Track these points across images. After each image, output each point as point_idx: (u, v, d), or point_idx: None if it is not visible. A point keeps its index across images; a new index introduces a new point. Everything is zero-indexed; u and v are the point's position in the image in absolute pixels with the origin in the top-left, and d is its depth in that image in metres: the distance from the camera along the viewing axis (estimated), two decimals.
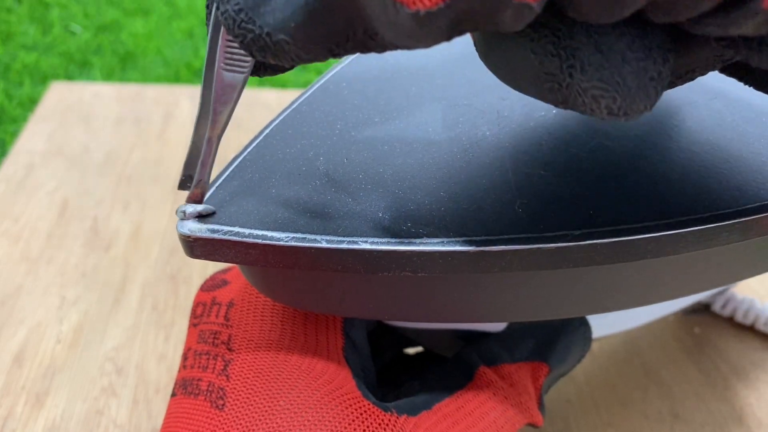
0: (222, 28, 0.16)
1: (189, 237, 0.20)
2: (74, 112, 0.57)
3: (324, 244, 0.19)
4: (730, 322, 0.40)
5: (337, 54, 0.15)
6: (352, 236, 0.19)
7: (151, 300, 0.39)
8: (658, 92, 0.14)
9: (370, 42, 0.14)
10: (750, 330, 0.40)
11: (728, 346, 0.39)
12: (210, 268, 0.42)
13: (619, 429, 0.34)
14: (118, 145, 0.53)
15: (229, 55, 0.17)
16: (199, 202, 0.20)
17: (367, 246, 0.19)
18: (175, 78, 1.53)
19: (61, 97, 0.59)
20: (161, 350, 0.36)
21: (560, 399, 0.35)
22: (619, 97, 0.14)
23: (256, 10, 0.14)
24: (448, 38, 0.13)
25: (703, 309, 0.41)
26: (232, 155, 0.23)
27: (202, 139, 0.19)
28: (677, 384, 0.36)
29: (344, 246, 0.19)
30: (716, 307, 0.40)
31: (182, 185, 0.21)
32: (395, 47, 0.14)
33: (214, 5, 0.15)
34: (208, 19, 0.16)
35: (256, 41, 0.15)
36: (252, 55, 0.15)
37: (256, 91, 0.63)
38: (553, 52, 0.14)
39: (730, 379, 0.37)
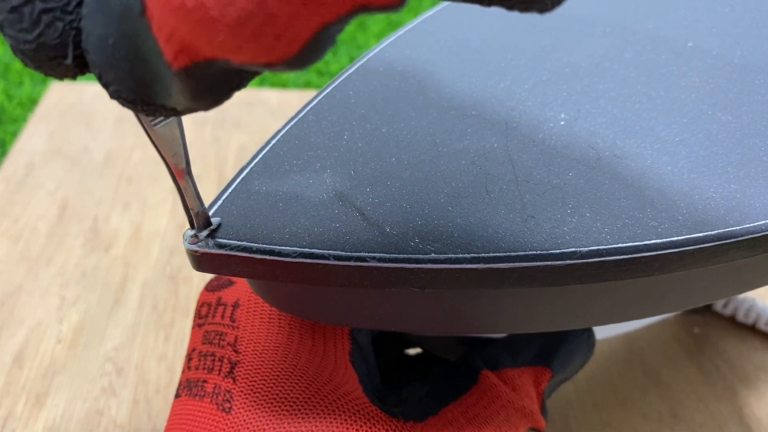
0: None
1: (196, 252, 0.20)
2: (74, 112, 0.57)
3: (331, 261, 0.19)
4: (731, 321, 0.40)
5: (237, 90, 0.15)
6: (359, 252, 0.19)
7: (151, 300, 0.39)
8: None
9: (256, 74, 0.15)
10: (751, 330, 0.40)
11: (729, 346, 0.39)
12: None
13: (618, 429, 0.34)
14: (118, 145, 0.53)
15: (151, 117, 0.17)
16: (207, 227, 0.20)
17: (375, 263, 0.19)
18: None
19: (61, 97, 0.59)
20: (161, 350, 0.36)
21: (560, 399, 0.35)
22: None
23: (148, 94, 0.14)
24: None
25: (703, 309, 0.41)
26: (233, 155, 0.23)
27: (178, 182, 0.19)
28: (677, 384, 0.36)
29: (352, 263, 0.19)
30: (717, 306, 0.40)
31: (192, 225, 0.21)
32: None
33: (112, 99, 0.15)
34: None
35: (165, 112, 0.15)
36: (168, 117, 0.15)
37: (256, 91, 0.63)
38: None
39: (730, 379, 0.37)
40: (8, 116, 1.33)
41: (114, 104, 0.59)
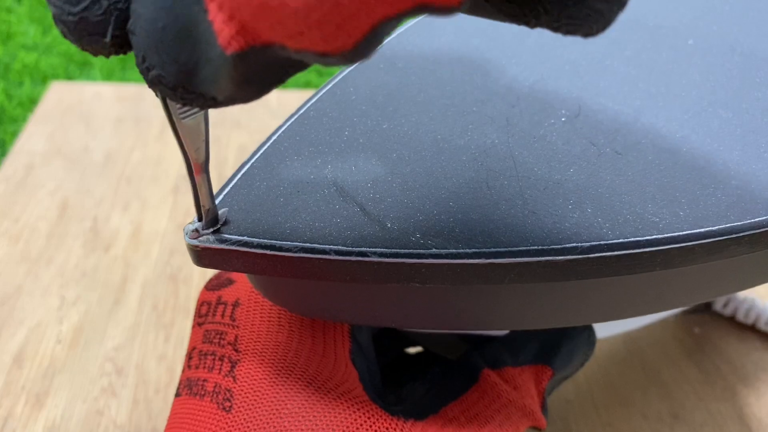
0: None
1: (197, 247, 0.20)
2: (74, 112, 0.57)
3: (333, 256, 0.19)
4: (731, 321, 0.40)
5: (280, 84, 0.15)
6: (360, 247, 0.19)
7: (151, 300, 0.39)
8: None
9: (303, 67, 0.15)
10: (751, 330, 0.40)
11: (729, 345, 0.39)
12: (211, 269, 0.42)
13: (618, 429, 0.34)
14: (118, 145, 0.53)
15: (182, 108, 0.17)
16: (213, 225, 0.20)
17: (376, 258, 0.19)
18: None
19: (61, 97, 0.59)
20: (161, 350, 0.36)
21: (560, 399, 0.35)
22: (595, 24, 0.14)
23: (190, 82, 0.14)
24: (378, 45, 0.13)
25: (703, 308, 0.41)
26: (233, 155, 0.23)
27: (194, 177, 0.19)
28: (677, 384, 0.36)
29: (353, 258, 0.19)
30: (717, 306, 0.40)
31: (200, 220, 0.21)
32: None
33: (150, 86, 0.15)
34: (149, 86, 0.17)
35: (204, 103, 0.15)
36: (204, 108, 0.15)
37: None
38: None
39: (730, 379, 0.37)
40: (8, 116, 1.33)
41: (114, 104, 0.59)
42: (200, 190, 0.19)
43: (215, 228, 0.20)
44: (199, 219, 0.20)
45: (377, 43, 0.12)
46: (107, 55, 0.16)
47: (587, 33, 0.14)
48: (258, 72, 0.14)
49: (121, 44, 0.15)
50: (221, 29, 0.13)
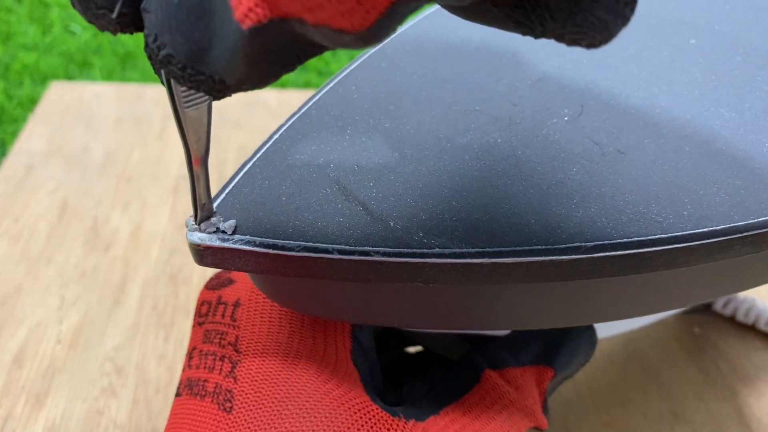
0: None
1: (199, 246, 0.20)
2: (74, 112, 0.57)
3: (335, 255, 0.19)
4: (731, 321, 0.40)
5: (291, 71, 0.15)
6: (363, 246, 0.19)
7: (151, 300, 0.39)
8: (633, 9, 0.14)
9: (316, 52, 0.14)
10: (751, 330, 0.40)
11: (729, 345, 0.39)
12: (210, 269, 0.41)
13: (618, 429, 0.34)
14: (118, 145, 0.53)
15: (187, 96, 0.17)
16: (208, 220, 0.20)
17: (379, 257, 0.19)
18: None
19: (61, 97, 0.59)
20: (161, 350, 0.36)
21: (560, 399, 0.35)
22: (599, 34, 0.14)
23: (200, 62, 0.14)
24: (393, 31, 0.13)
25: (703, 308, 0.41)
26: (233, 155, 0.23)
27: (192, 169, 0.19)
28: (677, 384, 0.36)
29: (355, 257, 0.19)
30: (717, 306, 0.40)
31: (195, 217, 0.21)
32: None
33: (159, 68, 0.15)
34: (156, 72, 0.16)
35: (212, 86, 0.15)
36: (211, 95, 0.15)
37: (256, 91, 0.62)
38: (517, 4, 0.14)
39: (730, 379, 0.37)
40: (8, 116, 1.32)
41: (114, 104, 0.59)
42: (198, 183, 0.19)
43: (216, 225, 0.20)
44: (195, 214, 0.20)
45: (394, 23, 0.12)
46: (113, 32, 0.16)
47: (591, 43, 0.14)
48: (272, 50, 0.13)
49: (128, 23, 0.15)
50: (239, 2, 0.13)
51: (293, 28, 0.13)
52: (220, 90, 0.15)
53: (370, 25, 0.12)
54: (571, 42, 0.14)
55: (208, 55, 0.14)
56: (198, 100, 0.17)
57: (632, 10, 0.14)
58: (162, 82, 0.16)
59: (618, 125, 0.23)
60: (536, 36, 0.15)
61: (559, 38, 0.14)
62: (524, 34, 0.15)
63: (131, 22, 0.15)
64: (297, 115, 0.24)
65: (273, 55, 0.14)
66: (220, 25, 0.13)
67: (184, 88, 0.17)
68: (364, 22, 0.12)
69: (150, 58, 0.15)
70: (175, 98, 0.17)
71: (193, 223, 0.20)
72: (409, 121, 0.24)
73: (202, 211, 0.20)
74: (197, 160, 0.19)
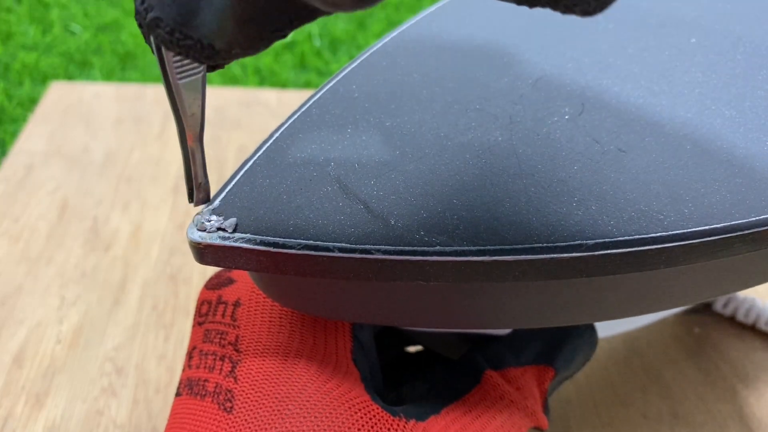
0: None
1: (200, 244, 0.20)
2: (74, 112, 0.57)
3: (336, 253, 0.19)
4: (731, 321, 0.40)
5: (283, 36, 0.14)
6: (364, 244, 0.19)
7: (151, 300, 0.39)
8: None
9: (309, 17, 0.14)
10: (751, 329, 0.40)
11: (729, 345, 0.39)
12: (210, 268, 0.42)
13: (618, 429, 0.34)
14: (118, 145, 0.53)
15: (179, 66, 0.17)
16: (205, 202, 0.20)
17: (380, 255, 0.19)
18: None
19: (61, 97, 0.59)
20: (161, 350, 0.36)
21: (560, 399, 0.35)
22: (594, 1, 0.14)
23: (189, 25, 0.14)
24: None
25: (703, 308, 0.41)
26: (233, 155, 0.23)
27: (187, 147, 0.19)
28: (677, 384, 0.36)
29: (356, 255, 0.19)
30: (717, 306, 0.40)
31: (191, 198, 0.20)
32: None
33: (147, 33, 0.14)
34: (146, 40, 0.16)
35: (201, 51, 0.14)
36: (201, 62, 0.15)
37: (256, 91, 0.63)
38: None
39: (730, 379, 0.37)
40: (8, 116, 1.32)
41: (114, 104, 0.59)
42: (193, 162, 0.19)
43: (219, 225, 0.20)
44: (190, 196, 0.20)
45: None
46: None
47: (585, 10, 0.14)
48: (263, 11, 0.13)
49: None
50: None
51: None
52: (210, 56, 0.14)
53: None
54: (566, 9, 0.14)
55: (197, 18, 0.14)
56: (191, 72, 0.17)
57: None
58: (152, 52, 0.16)
59: (619, 124, 0.23)
60: (531, 5, 0.14)
61: (554, 5, 0.14)
62: (519, 3, 0.15)
63: None
64: (297, 114, 0.24)
65: (264, 17, 0.13)
66: None
67: (176, 59, 0.16)
68: None
69: (140, 25, 0.14)
70: (167, 69, 0.16)
71: (191, 203, 0.20)
72: (410, 119, 0.24)
73: (199, 192, 0.20)
74: (191, 136, 0.18)
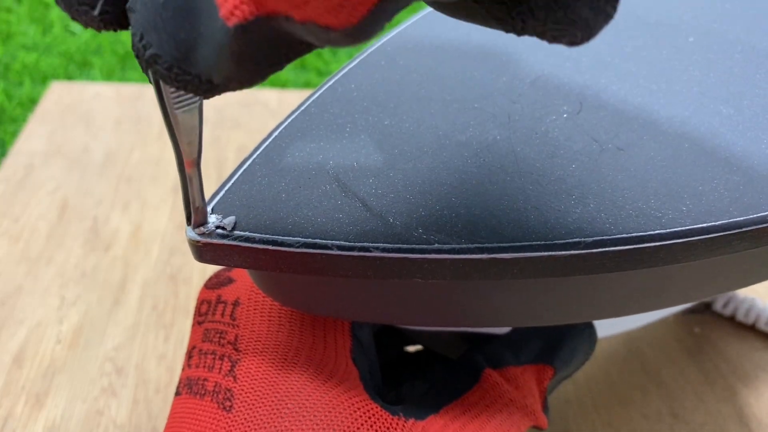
0: None
1: (198, 242, 0.20)
2: (74, 112, 0.57)
3: (335, 251, 0.19)
4: (731, 321, 0.40)
5: (279, 69, 0.15)
6: (362, 242, 0.19)
7: (151, 300, 0.39)
8: (615, 6, 0.14)
9: (303, 51, 0.14)
10: (751, 330, 0.40)
11: (729, 345, 0.39)
12: (210, 268, 0.42)
13: (618, 429, 0.34)
14: (118, 145, 0.53)
15: (176, 97, 0.17)
16: (203, 224, 0.20)
17: (378, 253, 0.19)
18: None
19: (61, 97, 0.59)
20: (161, 350, 0.36)
21: (560, 399, 0.35)
22: (579, 32, 0.14)
23: (187, 62, 0.14)
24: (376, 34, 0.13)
25: (703, 308, 0.41)
26: (233, 155, 0.23)
27: (185, 172, 0.19)
28: (677, 384, 0.36)
29: (355, 253, 0.19)
30: (717, 306, 0.40)
31: (188, 220, 0.20)
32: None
33: (146, 67, 0.15)
34: (144, 72, 0.16)
35: (199, 86, 0.14)
36: (199, 95, 0.15)
37: (256, 91, 0.63)
38: (498, 0, 0.14)
39: (730, 379, 0.37)
40: (8, 116, 1.32)
41: (114, 104, 0.59)
42: (191, 187, 0.19)
43: (218, 224, 0.20)
44: (188, 219, 0.20)
45: (382, 20, 0.12)
46: (97, 29, 0.15)
47: (572, 41, 0.14)
48: (258, 48, 0.13)
49: (111, 21, 0.15)
50: (224, 0, 0.12)
51: (280, 26, 0.13)
52: (208, 90, 0.15)
53: (357, 22, 0.12)
54: (553, 39, 0.14)
55: (195, 54, 0.14)
56: (188, 102, 0.17)
57: (614, 7, 0.14)
58: (150, 82, 0.16)
59: (617, 122, 0.23)
60: (518, 33, 0.15)
61: (541, 35, 0.14)
62: (507, 31, 0.15)
63: (114, 19, 0.15)
64: (296, 113, 0.24)
65: (260, 54, 0.14)
66: (205, 24, 0.13)
67: (173, 90, 0.16)
68: (351, 19, 0.12)
69: (137, 57, 0.14)
70: (165, 100, 0.17)
71: (188, 226, 0.20)
72: (408, 118, 0.24)
73: (197, 215, 0.20)
74: (189, 163, 0.19)
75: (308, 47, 0.14)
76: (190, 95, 0.17)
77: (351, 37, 0.12)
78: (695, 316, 0.41)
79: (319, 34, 0.12)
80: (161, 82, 0.16)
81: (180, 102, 0.17)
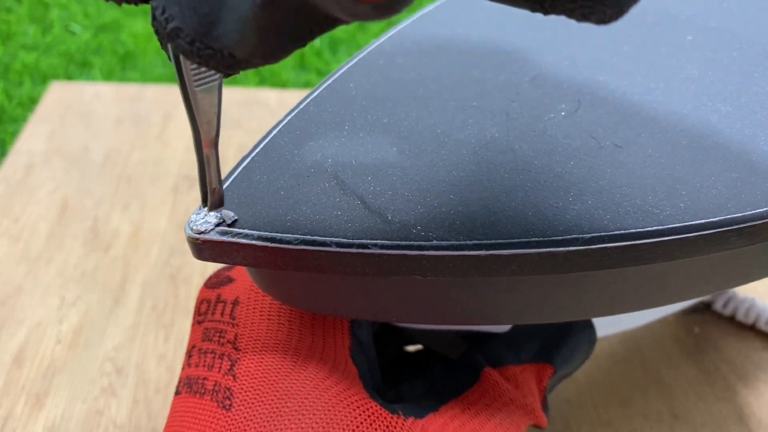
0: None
1: (197, 240, 0.20)
2: (74, 112, 0.57)
3: (333, 248, 0.19)
4: (731, 321, 0.40)
5: (303, 46, 0.14)
6: (361, 239, 0.19)
7: (151, 300, 0.39)
8: None
9: (329, 26, 0.14)
10: (751, 329, 0.40)
11: (728, 345, 0.39)
12: (210, 268, 0.42)
13: (618, 429, 0.34)
14: (118, 145, 0.53)
15: (196, 74, 0.16)
16: (219, 206, 0.20)
17: (377, 250, 0.19)
18: (175, 78, 1.52)
19: (61, 97, 0.59)
20: (161, 350, 0.36)
21: (560, 399, 0.35)
22: (609, 8, 0.14)
23: (209, 36, 0.14)
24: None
25: (703, 308, 0.41)
26: (233, 154, 0.23)
27: (202, 152, 0.19)
28: (677, 384, 0.36)
29: (354, 250, 0.19)
30: (717, 306, 0.40)
31: (204, 202, 0.20)
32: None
33: (166, 42, 0.14)
34: (163, 47, 0.16)
35: (221, 61, 0.14)
36: (221, 71, 0.15)
37: (256, 91, 0.63)
38: None
39: (730, 379, 0.37)
40: (8, 116, 1.33)
41: (114, 104, 0.59)
42: (208, 168, 0.19)
43: (220, 220, 0.20)
44: (204, 201, 0.20)
45: None
46: (118, 2, 0.15)
47: (601, 19, 0.14)
48: (284, 22, 0.13)
49: None
50: None
51: None
52: (230, 65, 0.14)
53: None
54: (581, 17, 0.14)
55: (218, 28, 0.13)
56: (208, 79, 0.17)
57: None
58: (169, 58, 0.16)
59: (615, 120, 0.23)
60: (546, 12, 0.14)
61: (570, 13, 0.14)
62: (534, 10, 0.14)
63: None
64: (295, 112, 0.24)
65: (285, 28, 0.13)
66: None
67: (193, 66, 0.16)
68: None
69: (157, 32, 0.14)
70: (185, 77, 0.16)
71: (204, 208, 0.20)
72: (407, 116, 0.24)
73: (213, 196, 0.20)
74: (208, 143, 0.18)
75: (334, 22, 0.14)
76: (211, 72, 0.16)
77: (381, 9, 0.12)
78: (695, 316, 0.41)
79: (347, 7, 0.12)
80: (181, 58, 0.16)
81: (200, 79, 0.17)
